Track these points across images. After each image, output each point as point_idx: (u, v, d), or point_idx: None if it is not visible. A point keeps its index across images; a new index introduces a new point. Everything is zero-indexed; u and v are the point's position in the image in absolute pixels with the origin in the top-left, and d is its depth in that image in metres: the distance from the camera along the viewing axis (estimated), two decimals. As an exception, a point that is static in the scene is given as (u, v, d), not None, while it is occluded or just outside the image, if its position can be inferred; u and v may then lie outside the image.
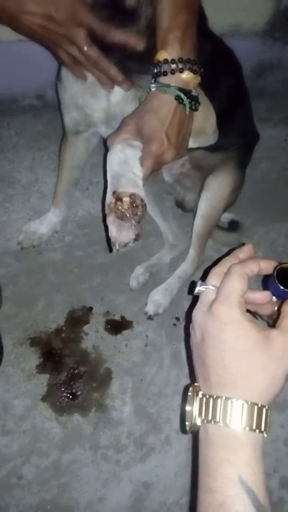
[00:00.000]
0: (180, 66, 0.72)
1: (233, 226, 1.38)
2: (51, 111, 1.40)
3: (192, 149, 0.84)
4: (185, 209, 1.35)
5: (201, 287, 0.51)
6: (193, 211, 1.32)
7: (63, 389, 1.15)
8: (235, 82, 1.06)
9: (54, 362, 1.17)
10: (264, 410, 0.43)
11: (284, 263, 0.52)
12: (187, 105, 0.74)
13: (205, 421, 0.44)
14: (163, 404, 1.15)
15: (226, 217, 1.36)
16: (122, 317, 1.25)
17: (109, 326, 1.23)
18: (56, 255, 1.31)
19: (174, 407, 1.15)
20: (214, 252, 1.37)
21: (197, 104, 0.76)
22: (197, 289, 0.52)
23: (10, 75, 1.37)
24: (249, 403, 0.42)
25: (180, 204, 1.35)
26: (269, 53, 1.47)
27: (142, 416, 1.14)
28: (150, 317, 1.25)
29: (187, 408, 0.46)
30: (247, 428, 0.42)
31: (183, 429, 0.48)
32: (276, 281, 0.51)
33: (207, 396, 0.44)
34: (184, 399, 0.47)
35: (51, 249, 1.31)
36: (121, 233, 0.71)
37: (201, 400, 0.44)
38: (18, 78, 1.37)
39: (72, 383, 1.15)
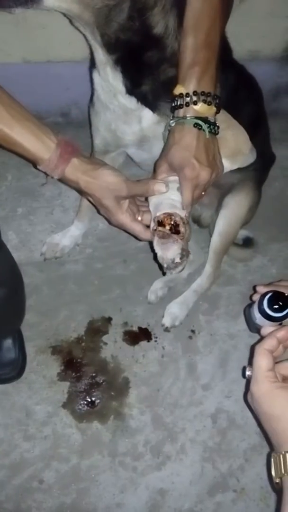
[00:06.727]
0: (194, 98, 0.76)
1: (247, 242, 1.42)
2: (74, 128, 1.45)
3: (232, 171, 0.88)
4: (202, 225, 1.39)
5: (248, 372, 0.61)
6: (209, 227, 1.37)
7: (82, 396, 1.19)
8: (257, 107, 1.11)
9: (75, 370, 1.22)
10: None
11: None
12: (206, 130, 0.78)
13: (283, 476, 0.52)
14: (178, 414, 1.19)
15: (241, 233, 1.41)
16: (140, 328, 1.30)
17: (127, 337, 1.28)
18: (77, 267, 1.36)
19: (189, 417, 1.19)
20: (229, 267, 1.42)
21: (216, 127, 0.80)
22: (247, 374, 0.62)
23: (37, 94, 1.42)
24: None
25: (196, 220, 1.39)
26: (285, 77, 1.52)
27: (158, 425, 1.18)
28: (166, 329, 1.29)
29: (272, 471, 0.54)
30: None
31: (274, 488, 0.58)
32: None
33: (276, 455, 0.53)
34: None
35: (72, 261, 1.37)
36: (166, 251, 0.76)
37: (274, 459, 0.53)
38: (45, 96, 1.43)
39: (91, 391, 1.20)
